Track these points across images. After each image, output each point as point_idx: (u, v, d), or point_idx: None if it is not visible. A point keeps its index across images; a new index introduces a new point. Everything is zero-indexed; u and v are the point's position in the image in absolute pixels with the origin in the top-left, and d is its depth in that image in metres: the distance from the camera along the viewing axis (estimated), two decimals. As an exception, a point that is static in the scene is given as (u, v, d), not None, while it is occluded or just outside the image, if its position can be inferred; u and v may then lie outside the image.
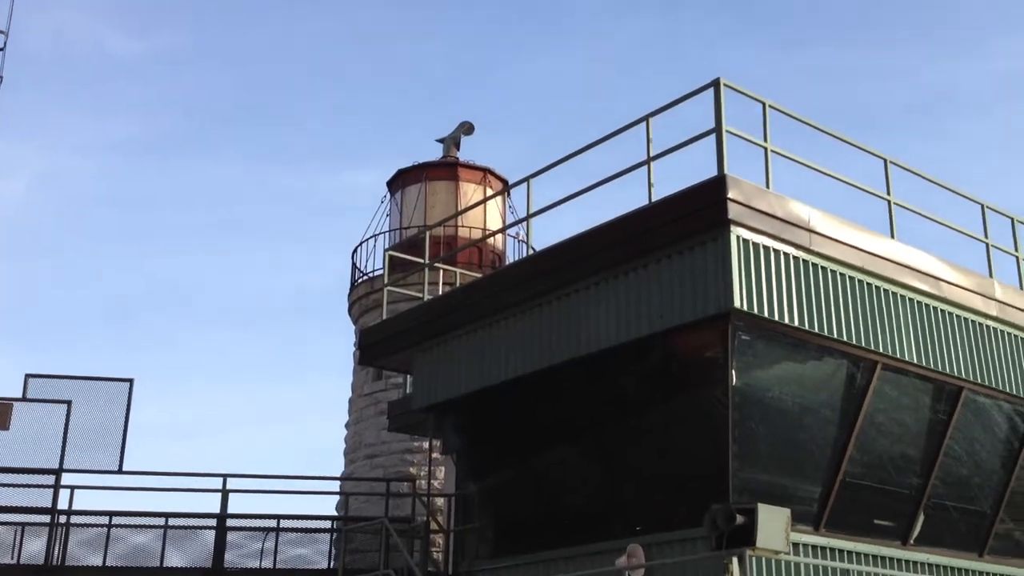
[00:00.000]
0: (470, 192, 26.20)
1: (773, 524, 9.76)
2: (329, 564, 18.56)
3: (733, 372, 11.11)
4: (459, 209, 24.24)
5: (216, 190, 59.90)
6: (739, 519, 9.64)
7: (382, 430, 24.48)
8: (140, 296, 59.20)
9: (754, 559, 10.03)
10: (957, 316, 13.24)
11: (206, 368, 60.50)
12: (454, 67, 57.73)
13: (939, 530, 13.31)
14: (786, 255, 11.51)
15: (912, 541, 12.87)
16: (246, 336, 60.87)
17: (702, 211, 11.24)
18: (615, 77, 59.44)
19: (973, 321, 13.43)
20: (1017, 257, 14.89)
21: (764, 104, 12.22)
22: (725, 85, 11.76)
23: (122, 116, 58.48)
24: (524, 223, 14.51)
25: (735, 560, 9.96)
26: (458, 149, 27.60)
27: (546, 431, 13.71)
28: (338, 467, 25.09)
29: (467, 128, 27.82)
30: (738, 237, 11.10)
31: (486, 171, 26.78)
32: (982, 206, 14.58)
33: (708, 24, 60.05)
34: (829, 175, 12.48)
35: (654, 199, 12.17)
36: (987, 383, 13.29)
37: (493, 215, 26.12)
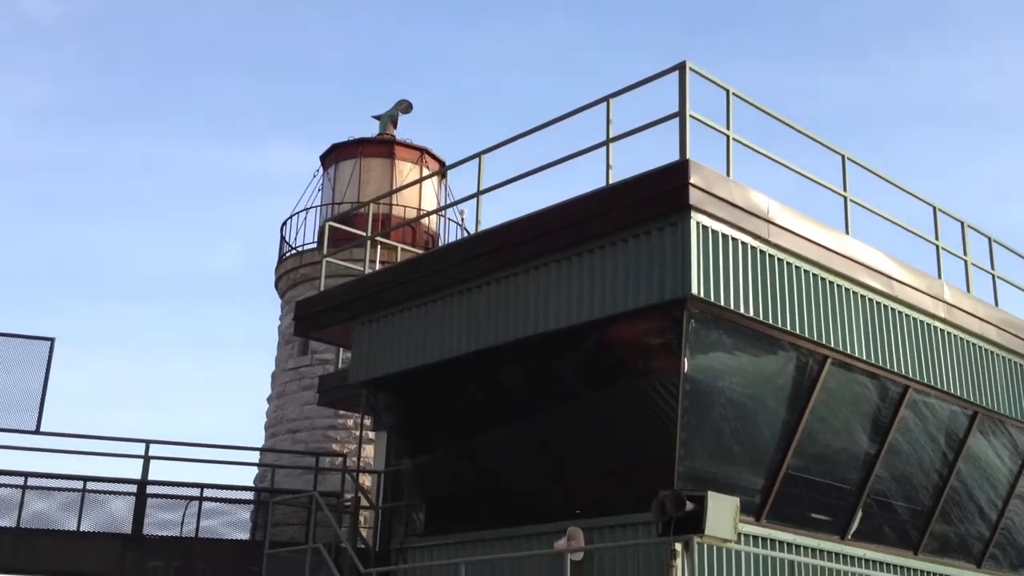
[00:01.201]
0: (406, 171, 25.84)
1: (722, 512, 9.64)
2: (253, 535, 18.11)
3: (686, 359, 10.95)
4: (395, 187, 23.90)
5: (133, 161, 58.47)
6: (689, 506, 9.50)
7: (305, 405, 24.11)
8: (51, 267, 57.64)
9: (700, 546, 9.91)
10: (906, 316, 13.26)
11: (123, 341, 59.16)
12: (394, 47, 56.97)
13: (877, 526, 13.36)
14: (744, 244, 11.38)
15: (850, 536, 12.88)
16: (161, 311, 59.64)
17: (663, 195, 11.05)
18: (557, 70, 59.21)
19: (922, 322, 13.47)
20: (966, 261, 14.99)
21: (728, 91, 12.07)
22: (691, 69, 11.57)
23: (36, 79, 56.64)
24: (469, 202, 14.14)
25: (680, 547, 9.85)
26: (395, 127, 27.19)
27: (488, 410, 13.45)
28: (258, 442, 24.58)
29: (405, 107, 27.41)
30: (698, 223, 10.93)
31: (423, 151, 26.43)
32: (934, 208, 14.64)
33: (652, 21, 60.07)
34: (788, 167, 12.39)
35: (611, 182, 11.97)
36: (933, 383, 13.34)
37: (428, 197, 25.79)
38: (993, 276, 15.64)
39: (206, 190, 59.37)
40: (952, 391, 13.70)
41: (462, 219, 20.76)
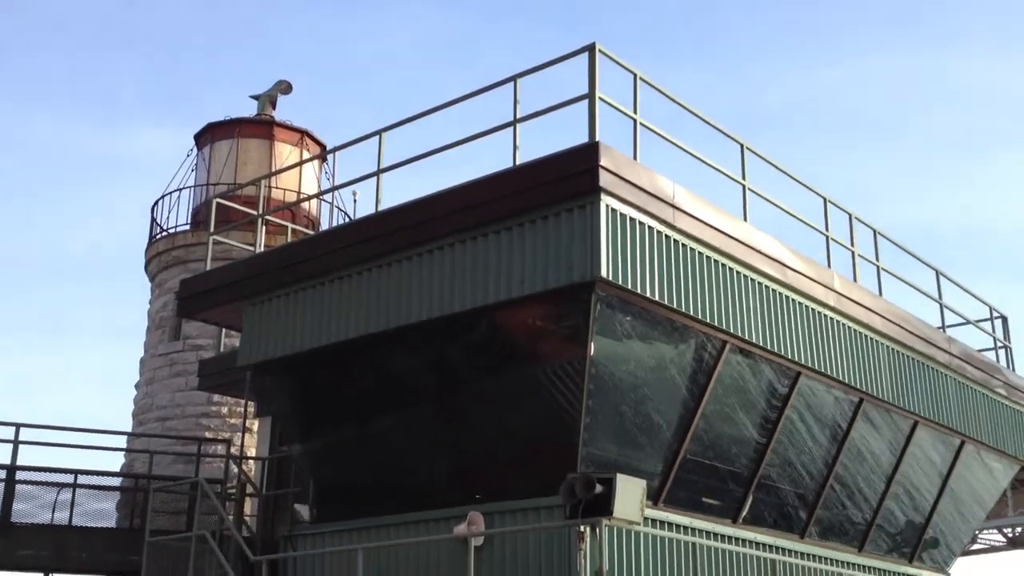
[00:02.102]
0: (286, 153, 25.29)
1: (630, 494, 9.65)
2: (131, 523, 17.40)
3: (592, 343, 10.90)
4: (275, 169, 23.35)
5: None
6: (598, 488, 9.45)
7: (177, 392, 23.39)
8: None
9: (608, 529, 9.88)
10: (799, 303, 13.49)
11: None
12: (268, 30, 55.70)
13: (766, 510, 13.58)
14: (651, 228, 11.39)
15: (741, 520, 13.06)
16: (14, 295, 57.15)
17: (573, 177, 10.97)
18: (445, 55, 58.80)
19: (813, 309, 13.72)
20: (853, 252, 15.34)
21: (636, 75, 12.06)
22: (600, 51, 11.52)
23: None
24: (366, 182, 13.83)
25: (583, 530, 9.81)
26: (274, 108, 26.58)
27: (385, 395, 13.18)
28: (125, 430, 23.64)
29: (284, 87, 26.78)
30: (607, 206, 10.89)
31: (304, 133, 25.89)
32: (824, 199, 14.93)
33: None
34: (691, 153, 12.43)
35: (519, 163, 11.84)
36: (822, 370, 13.61)
37: (309, 181, 25.29)
38: (878, 267, 16.04)
39: (64, 170, 57.16)
40: (840, 378, 14.00)
41: (355, 200, 20.35)
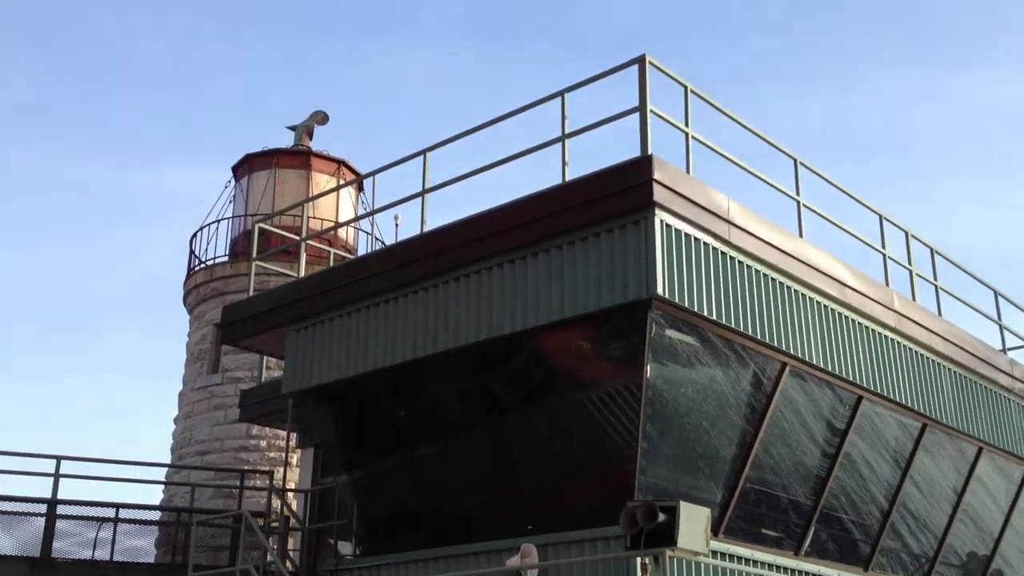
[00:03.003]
0: (323, 183, 25.18)
1: (694, 524, 9.18)
2: (172, 559, 17.08)
3: (648, 365, 10.47)
4: (312, 195, 23.18)
5: (23, 179, 56.16)
6: (660, 517, 8.99)
7: (215, 425, 23.17)
8: None
9: (671, 560, 9.41)
10: (859, 323, 12.99)
11: (12, 366, 56.59)
12: (308, 62, 55.88)
13: (828, 542, 13.02)
14: (706, 245, 10.98)
15: (804, 552, 12.51)
16: (52, 334, 57.26)
17: (626, 192, 10.58)
18: (476, 84, 58.79)
19: (873, 330, 13.22)
20: (911, 270, 14.83)
21: (687, 88, 11.69)
22: (650, 63, 11.17)
23: None
24: (410, 204, 13.51)
25: (647, 561, 9.35)
26: (311, 139, 26.50)
27: (433, 421, 12.80)
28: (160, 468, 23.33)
29: (321, 118, 26.73)
30: (662, 221, 10.49)
31: (341, 163, 25.82)
32: (880, 216, 14.46)
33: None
34: (744, 168, 12.03)
35: (569, 179, 11.47)
36: (885, 393, 13.08)
37: (346, 210, 25.13)
38: (936, 287, 15.52)
39: (100, 209, 57.36)
40: (903, 402, 13.46)
41: (397, 224, 20.11)
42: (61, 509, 16.50)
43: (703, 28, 56.34)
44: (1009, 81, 54.09)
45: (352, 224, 24.70)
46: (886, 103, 56.33)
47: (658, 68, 11.30)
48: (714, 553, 11.06)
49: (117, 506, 16.88)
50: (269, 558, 14.13)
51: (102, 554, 16.51)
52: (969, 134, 56.52)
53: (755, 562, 11.64)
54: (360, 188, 26.11)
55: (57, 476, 16.70)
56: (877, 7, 55.33)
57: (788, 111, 55.53)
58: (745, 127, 12.33)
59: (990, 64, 54.77)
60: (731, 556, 11.33)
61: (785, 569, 12.09)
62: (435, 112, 57.65)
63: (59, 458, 16.78)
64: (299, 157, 25.75)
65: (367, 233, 25.86)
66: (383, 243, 24.80)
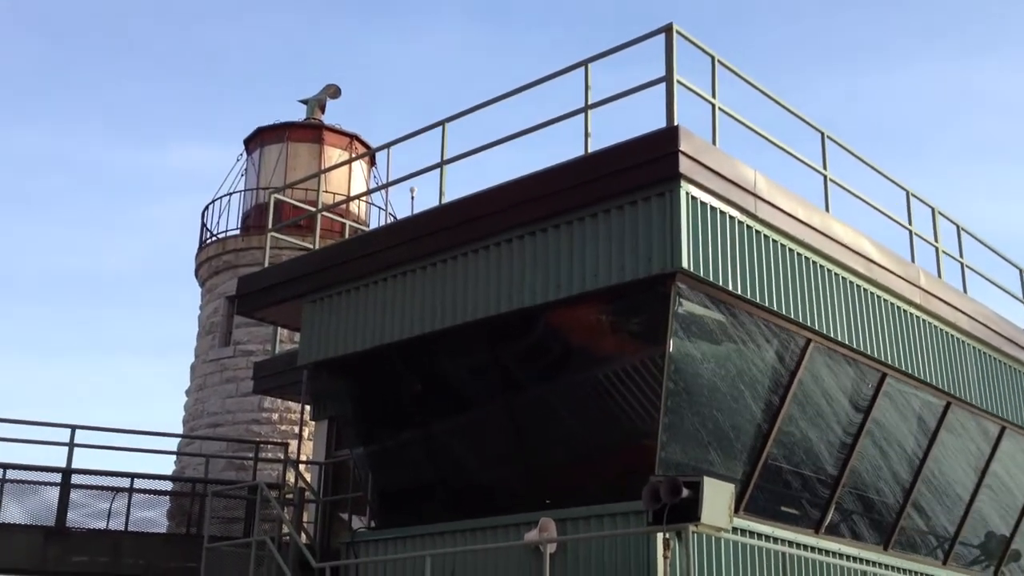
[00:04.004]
0: (335, 157, 25.03)
1: (718, 499, 9.04)
2: (187, 530, 17.03)
3: (672, 339, 10.30)
4: (324, 167, 22.99)
5: (33, 157, 55.95)
6: (684, 492, 8.84)
7: (227, 398, 23.13)
8: None
9: (694, 536, 9.26)
10: (884, 300, 12.80)
11: (23, 342, 56.55)
12: (318, 38, 55.51)
13: (849, 520, 12.88)
14: (732, 218, 10.79)
15: (824, 530, 12.37)
16: (69, 311, 57.26)
17: (651, 163, 10.38)
18: (486, 61, 58.39)
19: (898, 307, 13.02)
20: (937, 247, 14.61)
21: (714, 58, 11.47)
22: (677, 32, 10.94)
23: None
24: (428, 175, 13.32)
25: (669, 537, 9.21)
26: (323, 112, 26.31)
27: (451, 394, 12.68)
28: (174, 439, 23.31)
29: (333, 91, 26.53)
30: (687, 193, 10.29)
31: (353, 137, 25.65)
32: (907, 192, 14.23)
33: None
34: (772, 141, 11.83)
35: (592, 151, 11.27)
36: (909, 371, 12.90)
37: (358, 185, 24.96)
38: (962, 265, 15.29)
39: (109, 186, 57.19)
40: (928, 379, 13.28)
41: (413, 197, 19.93)
42: (75, 479, 16.43)
43: (713, 18, 55.77)
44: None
45: (366, 197, 24.57)
46: (900, 91, 55.81)
47: (685, 37, 11.08)
48: (735, 530, 10.88)
49: (132, 476, 16.83)
50: (284, 530, 14.03)
51: (114, 525, 16.45)
52: (987, 120, 55.99)
53: (776, 539, 11.49)
54: (372, 163, 25.93)
55: (72, 445, 16.64)
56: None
57: (799, 101, 55.00)
58: (772, 99, 12.11)
59: (1009, 50, 54.15)
60: (752, 533, 11.18)
61: (805, 546, 11.93)
62: (445, 91, 57.37)
63: (74, 427, 16.74)
64: (311, 130, 25.60)
65: (379, 208, 25.74)
66: (395, 218, 24.64)
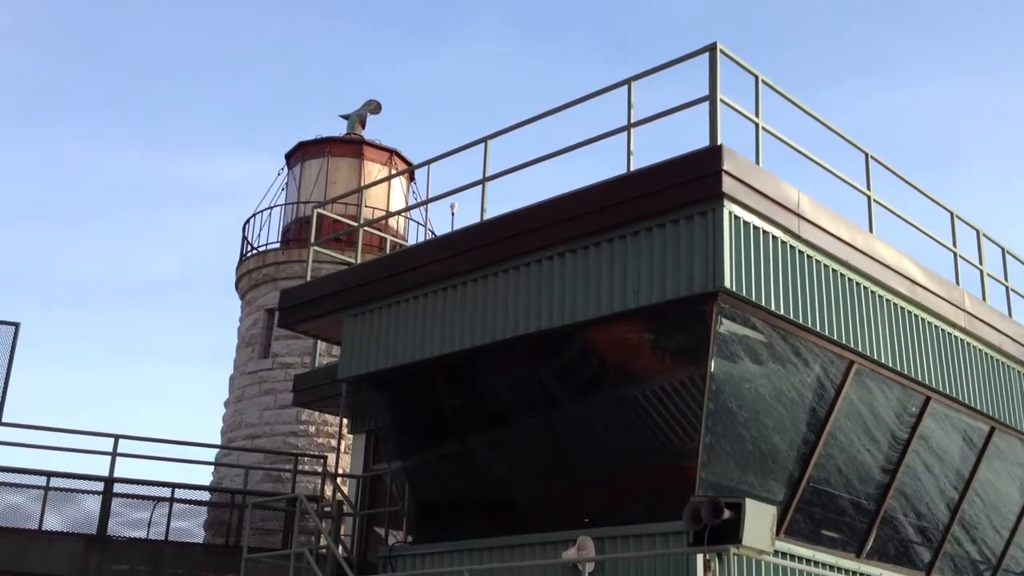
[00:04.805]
0: (375, 172, 25.14)
1: (760, 521, 8.98)
2: (226, 540, 17.14)
3: (713, 358, 10.26)
4: (364, 183, 23.13)
5: (75, 167, 56.67)
6: (726, 513, 8.79)
7: (265, 410, 23.26)
8: None
9: (733, 559, 9.20)
10: (928, 322, 12.68)
11: (58, 350, 57.14)
12: (359, 55, 55.89)
13: (890, 544, 12.74)
14: (774, 238, 10.73)
15: (866, 554, 12.24)
16: (109, 320, 57.82)
17: (694, 182, 10.36)
18: (525, 78, 58.52)
19: (942, 329, 12.90)
20: (981, 270, 14.46)
21: (757, 77, 11.44)
22: (721, 52, 10.94)
23: None
24: (470, 191, 13.36)
25: (709, 558, 9.16)
26: (363, 128, 26.47)
27: (487, 411, 12.68)
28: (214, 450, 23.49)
29: (374, 107, 26.67)
30: (730, 213, 10.26)
31: (393, 152, 25.76)
32: (951, 214, 14.11)
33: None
34: (815, 161, 11.76)
35: (635, 169, 11.27)
36: (953, 394, 12.76)
37: (397, 200, 25.08)
38: (1007, 288, 15.13)
39: (148, 197, 57.75)
40: (972, 404, 13.13)
41: (453, 213, 19.97)
42: (117, 488, 16.59)
43: (752, 35, 55.60)
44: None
45: (404, 213, 24.67)
46: (939, 107, 55.37)
47: (729, 57, 11.06)
48: (776, 553, 10.83)
49: (173, 486, 16.96)
50: (322, 542, 14.09)
51: (152, 535, 16.59)
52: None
53: (816, 563, 11.39)
54: (411, 178, 26.07)
55: (115, 455, 16.80)
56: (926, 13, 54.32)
57: (836, 117, 54.67)
58: (816, 119, 12.04)
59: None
60: (793, 556, 11.09)
61: (847, 571, 11.84)
62: (483, 108, 57.55)
63: (117, 437, 16.89)
64: (351, 145, 25.75)
65: (418, 223, 25.85)
66: (434, 233, 24.74)
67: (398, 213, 21.35)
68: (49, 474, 16.34)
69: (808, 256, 11.09)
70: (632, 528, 10.72)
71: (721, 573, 9.05)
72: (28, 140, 56.24)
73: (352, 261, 15.65)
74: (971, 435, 13.54)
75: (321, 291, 14.42)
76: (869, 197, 12.58)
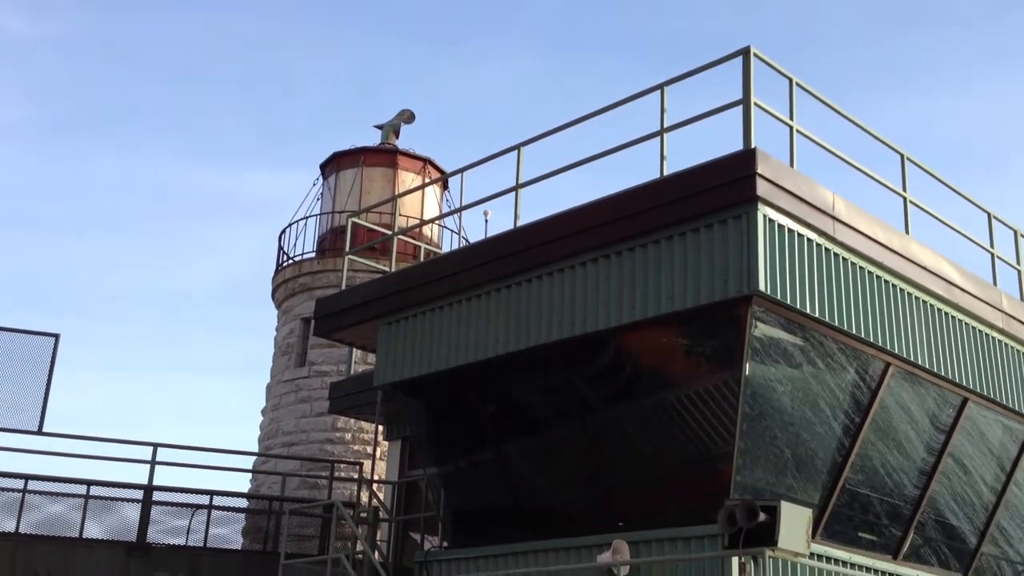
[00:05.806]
0: (408, 181, 25.24)
1: (795, 524, 8.96)
2: (264, 546, 17.28)
3: (748, 362, 10.26)
4: (398, 192, 23.25)
5: (112, 179, 57.25)
6: (761, 516, 8.78)
7: (301, 418, 23.44)
8: (25, 285, 56.06)
9: (771, 561, 9.19)
10: (966, 324, 12.61)
11: (101, 360, 57.69)
12: (391, 66, 56.21)
13: (927, 547, 12.66)
14: (809, 241, 10.72)
15: (902, 556, 12.18)
16: (147, 330, 58.33)
17: (728, 186, 10.37)
18: (559, 87, 58.57)
19: (980, 331, 12.82)
20: (1019, 271, 14.36)
21: (791, 80, 11.43)
22: (755, 55, 10.94)
23: (13, 97, 54.95)
24: (503, 199, 13.43)
25: (745, 561, 9.15)
26: (397, 137, 26.62)
27: (521, 417, 12.73)
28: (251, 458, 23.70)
29: (408, 116, 26.81)
30: (764, 216, 10.26)
31: (427, 161, 25.87)
32: (989, 215, 14.02)
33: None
34: (850, 163, 11.73)
35: (668, 173, 11.30)
36: (991, 396, 12.67)
37: (431, 209, 25.19)
38: (1045, 289, 14.98)
39: (182, 208, 58.28)
40: (1010, 405, 13.04)
41: (487, 220, 20.08)
42: (156, 496, 16.77)
43: (786, 40, 55.39)
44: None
45: (438, 221, 24.78)
46: (975, 111, 54.93)
47: (763, 60, 11.06)
48: (811, 555, 10.79)
49: (211, 493, 17.12)
50: (358, 548, 14.18)
51: (191, 542, 16.75)
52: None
53: (853, 565, 11.36)
54: (444, 187, 26.20)
55: (154, 463, 16.98)
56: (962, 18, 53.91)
57: (872, 121, 54.31)
58: (851, 120, 12.02)
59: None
60: (829, 558, 11.06)
61: (884, 573, 11.79)
62: (515, 116, 57.63)
63: (156, 445, 17.07)
64: (386, 155, 25.90)
65: (452, 231, 25.96)
66: (467, 241, 24.84)
67: (432, 221, 21.41)
68: (89, 483, 16.54)
69: (843, 259, 11.07)
70: (667, 531, 10.73)
71: (758, 574, 9.03)
72: (68, 152, 56.95)
73: (387, 269, 15.75)
74: (1008, 436, 13.44)
75: (356, 300, 14.53)
76: (905, 199, 12.53)
